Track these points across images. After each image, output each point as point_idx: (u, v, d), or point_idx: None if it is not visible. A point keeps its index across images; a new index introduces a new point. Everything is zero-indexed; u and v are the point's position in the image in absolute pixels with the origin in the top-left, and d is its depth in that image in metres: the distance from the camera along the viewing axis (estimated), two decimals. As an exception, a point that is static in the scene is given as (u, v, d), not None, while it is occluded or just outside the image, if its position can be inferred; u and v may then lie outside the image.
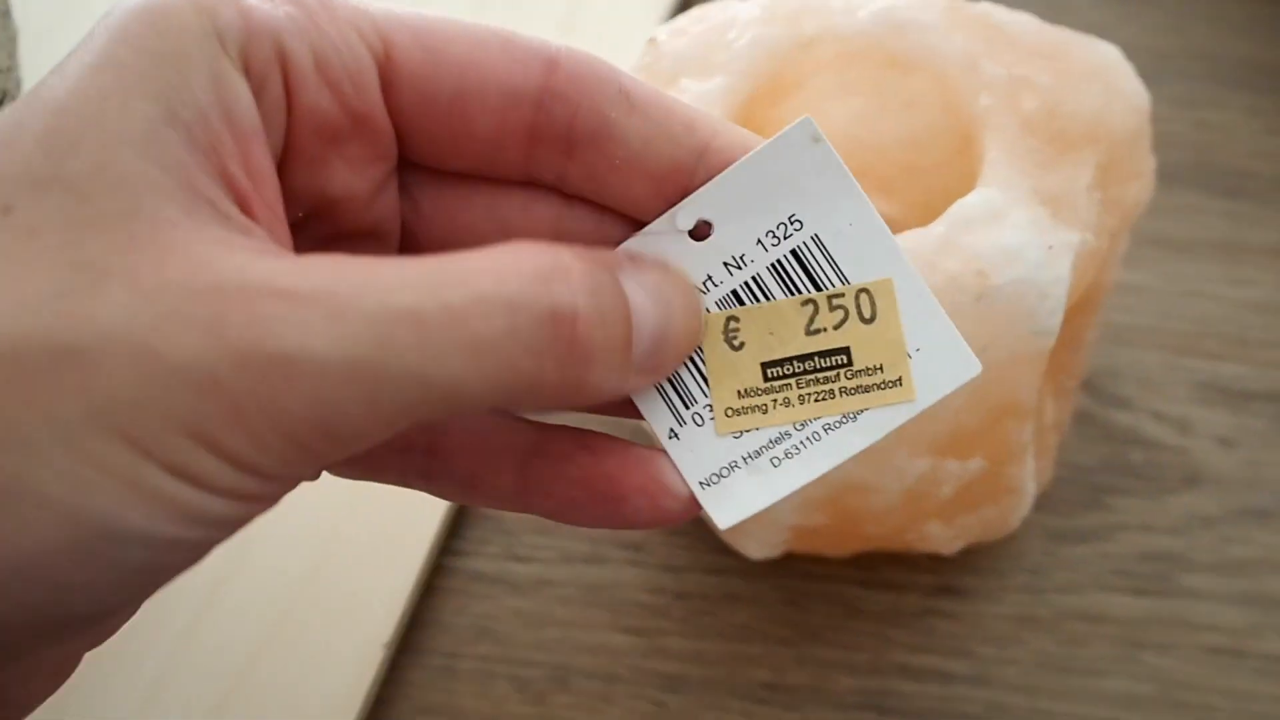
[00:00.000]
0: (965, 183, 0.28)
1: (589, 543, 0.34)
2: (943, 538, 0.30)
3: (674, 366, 0.20)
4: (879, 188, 0.33)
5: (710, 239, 0.20)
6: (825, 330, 0.20)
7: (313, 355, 0.16)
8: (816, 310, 0.20)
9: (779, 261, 0.20)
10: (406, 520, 0.34)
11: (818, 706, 0.31)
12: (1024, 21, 0.28)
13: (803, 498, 0.28)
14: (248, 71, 0.18)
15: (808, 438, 0.20)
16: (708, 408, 0.21)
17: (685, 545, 0.34)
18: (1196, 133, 0.44)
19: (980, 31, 0.28)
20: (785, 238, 0.20)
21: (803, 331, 0.20)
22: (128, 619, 0.19)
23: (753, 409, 0.21)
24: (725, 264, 0.20)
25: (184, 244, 0.16)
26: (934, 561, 0.33)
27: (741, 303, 0.20)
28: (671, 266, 0.20)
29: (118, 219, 0.16)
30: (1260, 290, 0.39)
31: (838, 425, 0.20)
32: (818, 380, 0.20)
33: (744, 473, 0.21)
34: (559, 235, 0.21)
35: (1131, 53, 0.30)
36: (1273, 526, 0.34)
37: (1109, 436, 0.36)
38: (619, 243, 0.21)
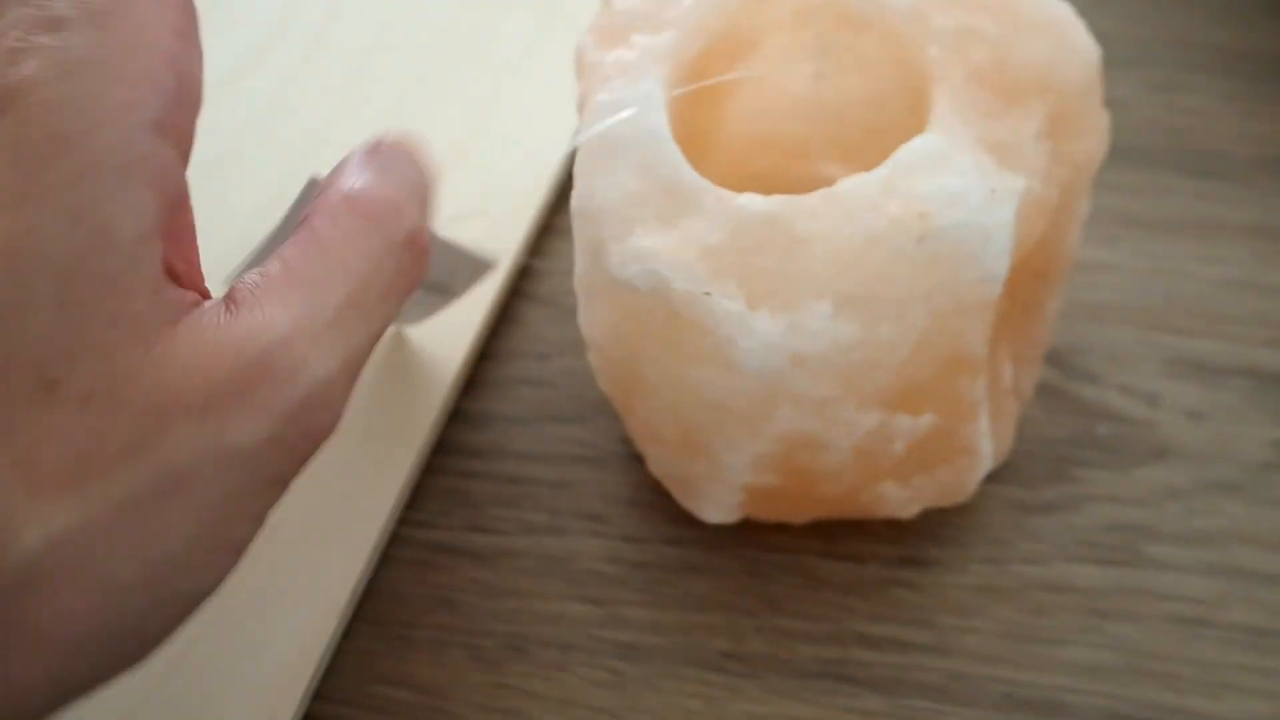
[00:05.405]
0: (920, 142, 0.28)
1: (550, 514, 0.34)
2: (899, 500, 0.30)
3: None
4: (842, 154, 0.32)
5: None
6: None
7: None
8: None
9: None
10: (362, 490, 0.34)
11: (776, 675, 0.31)
12: (975, -22, 0.28)
13: (753, 455, 0.28)
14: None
15: None
16: None
17: (645, 517, 0.34)
18: (1173, 117, 0.44)
19: (931, -14, 0.28)
20: None
21: None
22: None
23: None
24: None
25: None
26: (897, 532, 0.33)
27: None
28: None
29: None
30: (1234, 268, 0.39)
31: None
32: None
33: None
34: None
35: (1110, 39, 0.30)
36: (1241, 499, 0.33)
37: (1076, 410, 0.35)
38: None
